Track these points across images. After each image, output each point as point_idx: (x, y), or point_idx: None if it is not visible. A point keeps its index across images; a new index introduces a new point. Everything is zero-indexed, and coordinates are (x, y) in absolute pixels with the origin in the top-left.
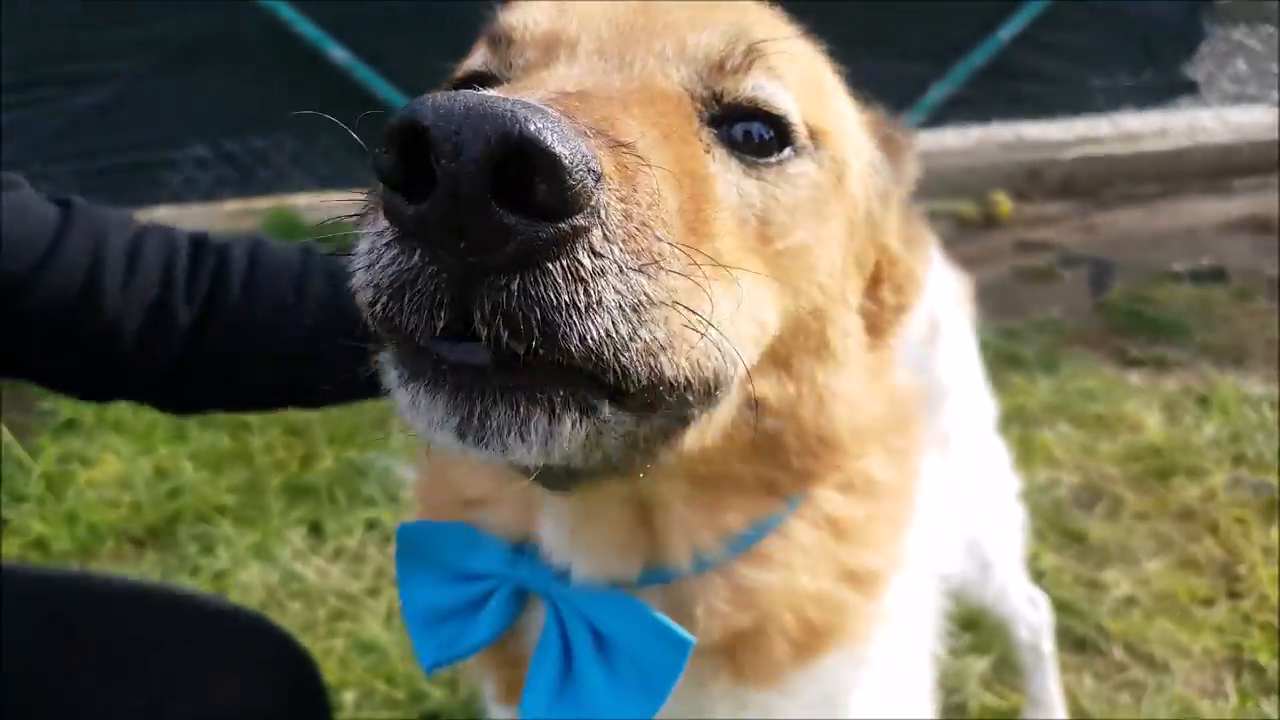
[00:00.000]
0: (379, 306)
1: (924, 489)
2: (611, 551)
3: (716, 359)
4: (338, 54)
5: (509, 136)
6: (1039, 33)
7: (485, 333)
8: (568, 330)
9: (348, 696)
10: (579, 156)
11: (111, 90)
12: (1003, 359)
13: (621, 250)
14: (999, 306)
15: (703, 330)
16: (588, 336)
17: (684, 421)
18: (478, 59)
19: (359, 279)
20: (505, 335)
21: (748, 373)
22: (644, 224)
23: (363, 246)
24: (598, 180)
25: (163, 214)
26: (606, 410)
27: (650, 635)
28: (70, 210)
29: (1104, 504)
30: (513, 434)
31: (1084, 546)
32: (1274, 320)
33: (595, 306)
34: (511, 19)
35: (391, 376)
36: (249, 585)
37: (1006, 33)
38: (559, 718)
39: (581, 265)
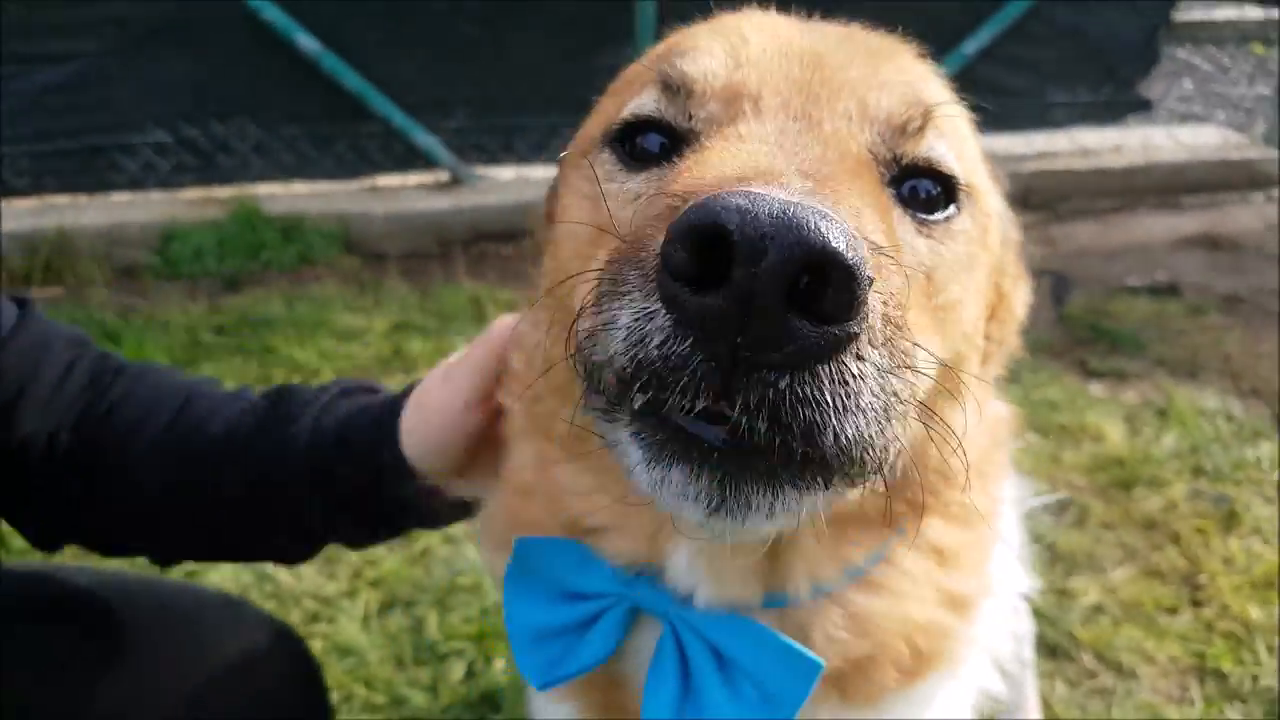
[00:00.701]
0: (636, 384)
1: (1005, 514)
2: (737, 580)
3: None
4: (306, 42)
5: (813, 251)
6: (1003, 48)
7: (743, 420)
8: (822, 429)
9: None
10: (864, 267)
11: (69, 71)
12: None
13: (880, 354)
14: None
15: (935, 427)
16: (842, 436)
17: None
18: (648, 102)
19: (616, 349)
20: (763, 427)
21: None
22: (897, 325)
23: (623, 320)
24: (870, 286)
25: (121, 199)
26: (837, 488)
27: (776, 658)
28: (25, 315)
29: (1071, 513)
30: (762, 513)
31: (1053, 554)
32: (1226, 335)
33: (854, 409)
34: (689, 68)
35: (632, 452)
36: (220, 587)
37: (971, 47)
38: None
39: (848, 369)
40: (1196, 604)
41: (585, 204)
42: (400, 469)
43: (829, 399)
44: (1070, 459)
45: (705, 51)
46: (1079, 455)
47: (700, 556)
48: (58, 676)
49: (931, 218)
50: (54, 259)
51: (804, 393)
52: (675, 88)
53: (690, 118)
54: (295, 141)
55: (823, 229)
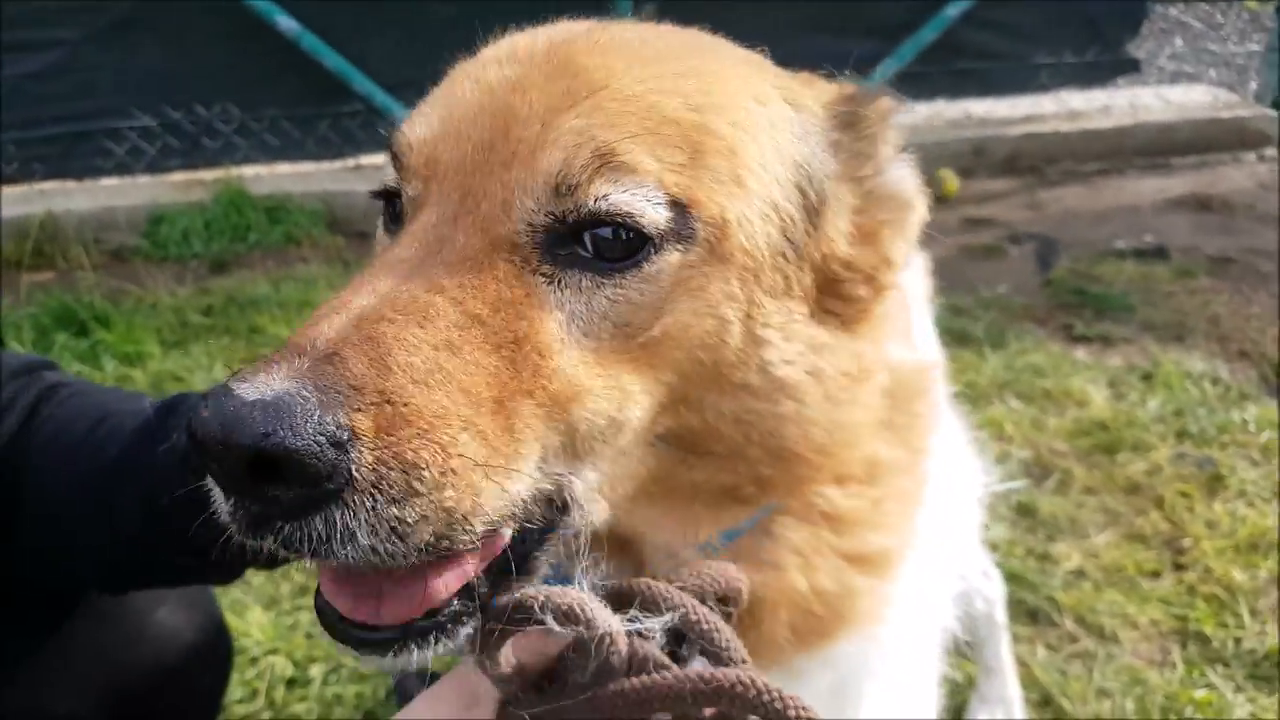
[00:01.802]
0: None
1: (936, 465)
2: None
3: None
4: (286, 23)
5: (253, 453)
6: (986, 10)
7: (277, 550)
8: (336, 552)
9: (315, 671)
10: (317, 444)
11: (52, 58)
12: (952, 335)
13: (368, 496)
14: (948, 283)
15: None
16: (350, 554)
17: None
18: (390, 172)
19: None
20: (284, 554)
21: (650, 420)
22: (403, 464)
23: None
24: (343, 450)
25: (109, 184)
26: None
27: None
28: None
29: (1054, 478)
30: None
31: (1034, 520)
32: (1213, 298)
33: (352, 538)
34: (401, 139)
35: None
36: None
37: (954, 9)
38: None
39: (333, 516)
40: (1179, 568)
41: (379, 265)
42: None
43: (324, 535)
44: (1054, 424)
45: (423, 113)
46: (1063, 420)
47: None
48: None
49: (615, 266)
50: (43, 244)
51: (302, 533)
52: (397, 159)
53: (405, 195)
54: (278, 123)
55: (263, 428)
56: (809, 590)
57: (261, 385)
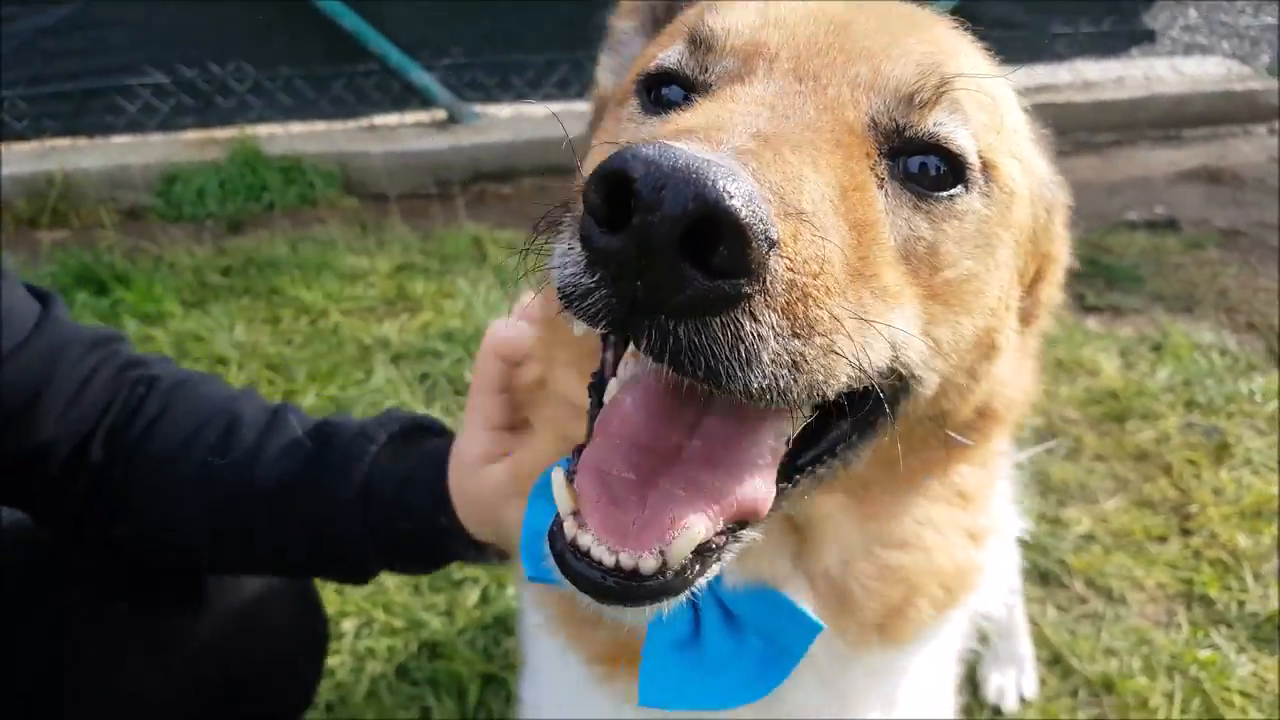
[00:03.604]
0: (566, 307)
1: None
2: (761, 559)
3: (882, 368)
4: None
5: (705, 205)
6: None
7: (648, 359)
8: (721, 375)
9: (347, 625)
10: (761, 227)
11: (63, 14)
12: None
13: (779, 317)
14: None
15: (860, 367)
16: (750, 386)
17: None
18: (673, 54)
19: (553, 273)
20: (669, 370)
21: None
22: (806, 293)
23: (558, 249)
24: (771, 248)
25: (121, 142)
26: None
27: (783, 617)
28: (46, 313)
29: (1065, 445)
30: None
31: (1046, 485)
32: (1222, 270)
33: (754, 362)
34: (715, 23)
35: None
36: None
37: None
38: (682, 676)
39: (741, 326)
40: (1186, 533)
41: (606, 148)
42: (457, 531)
43: (724, 350)
44: (1065, 393)
45: (735, 9)
46: (1074, 389)
47: None
48: (86, 638)
49: (933, 194)
50: (58, 203)
51: (698, 341)
52: (699, 42)
53: (706, 71)
54: (292, 82)
55: (719, 185)
56: (951, 566)
57: (700, 149)
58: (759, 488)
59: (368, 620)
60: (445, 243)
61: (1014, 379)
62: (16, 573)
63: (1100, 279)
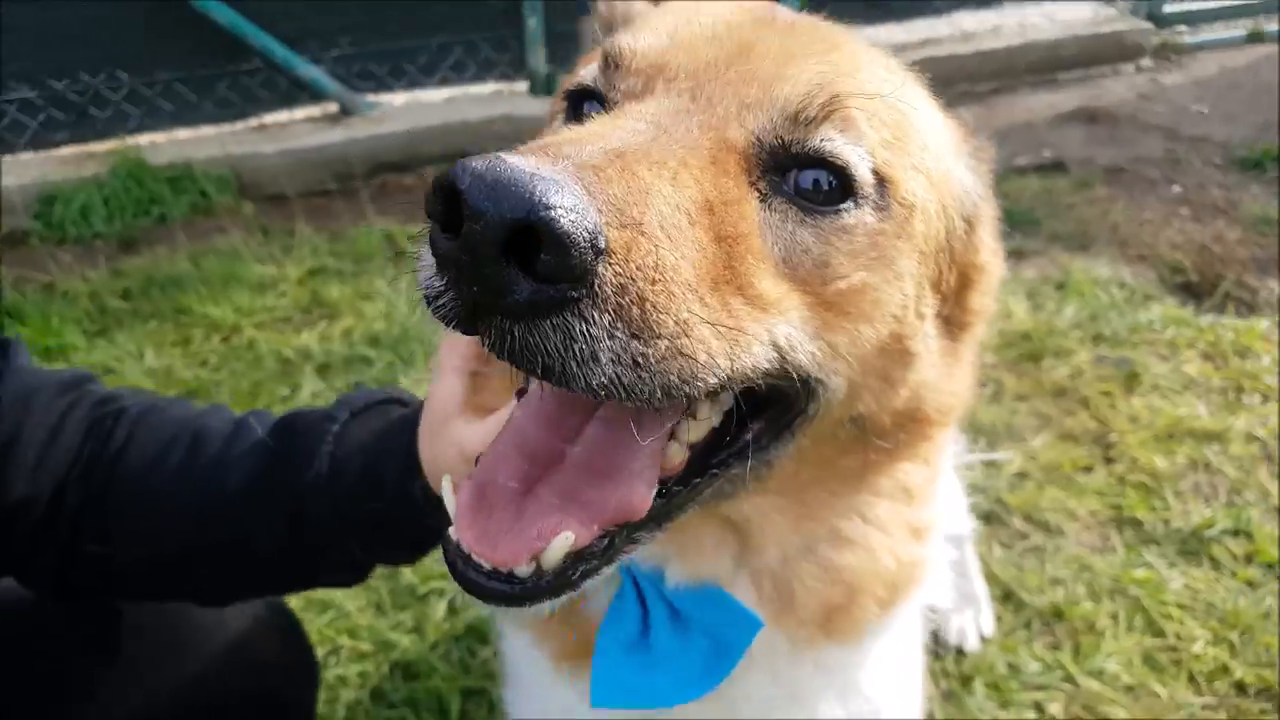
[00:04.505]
0: (423, 302)
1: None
2: (702, 558)
3: (766, 369)
4: None
5: (523, 215)
6: None
7: (493, 355)
8: (568, 375)
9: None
10: (582, 236)
11: None
12: None
13: (613, 319)
14: None
15: (732, 369)
16: (591, 382)
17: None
18: (590, 72)
19: (418, 276)
20: (510, 367)
21: (843, 384)
22: (642, 298)
23: (422, 252)
24: (598, 256)
25: None
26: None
27: (726, 615)
28: (5, 363)
29: (988, 389)
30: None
31: (977, 429)
32: (1111, 207)
33: (590, 361)
34: (625, 44)
35: None
36: None
37: None
38: (632, 675)
39: (572, 327)
40: (1109, 460)
41: None
42: (431, 498)
43: (556, 349)
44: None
45: (646, 28)
46: (988, 333)
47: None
48: (52, 670)
49: (819, 209)
50: None
51: (532, 341)
52: (610, 61)
53: (614, 88)
54: (172, 86)
55: (538, 196)
56: (894, 564)
57: (533, 163)
58: (635, 492)
59: (334, 648)
60: (355, 242)
61: (944, 383)
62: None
63: (1000, 224)
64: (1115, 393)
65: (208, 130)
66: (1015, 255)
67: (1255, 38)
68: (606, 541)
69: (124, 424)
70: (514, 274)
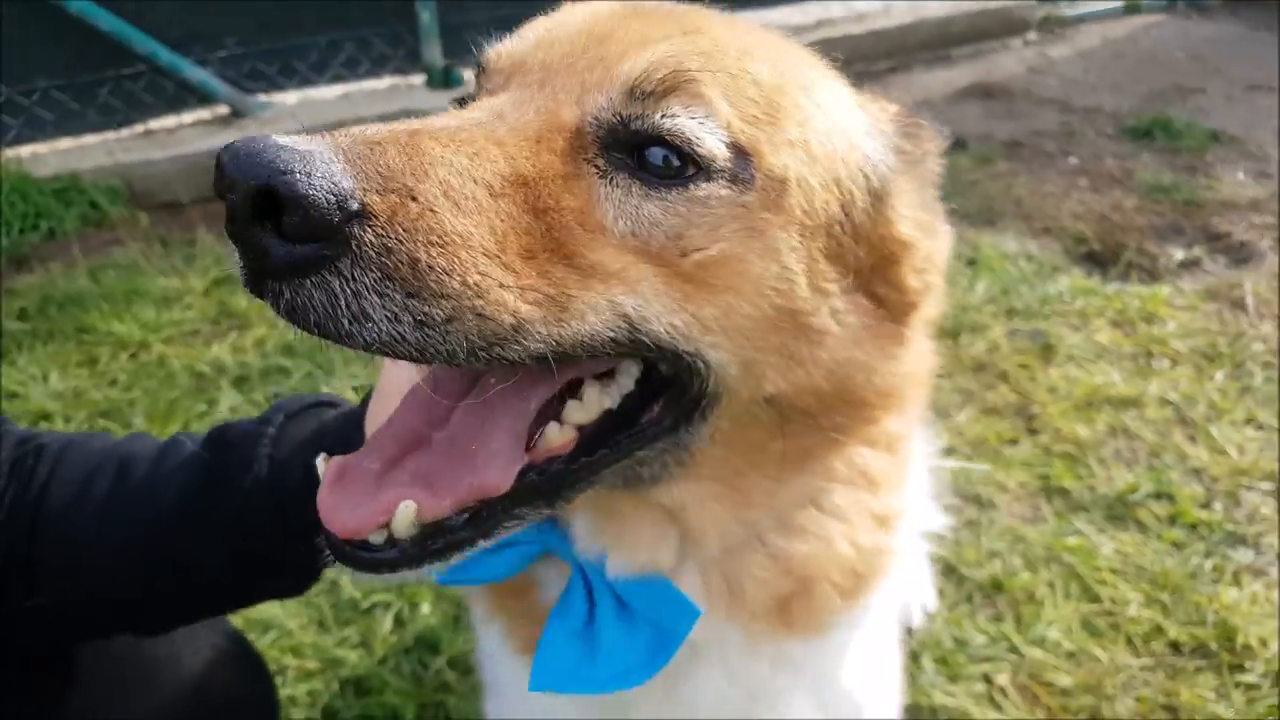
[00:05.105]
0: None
1: (917, 442)
2: (641, 547)
3: (612, 338)
4: None
5: (264, 180)
6: None
7: (278, 312)
8: (342, 333)
9: None
10: (325, 198)
11: None
12: None
13: (380, 277)
14: None
15: (534, 336)
16: (367, 339)
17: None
18: (470, 83)
19: None
20: (286, 323)
21: (739, 365)
22: (414, 259)
23: None
24: (350, 218)
25: None
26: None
27: (669, 604)
28: None
29: None
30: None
31: None
32: (1013, 181)
33: (362, 319)
34: (491, 51)
35: None
36: None
37: None
38: (575, 662)
39: (331, 284)
40: (1033, 432)
41: None
42: None
43: (323, 306)
44: None
45: (517, 34)
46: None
47: (592, 525)
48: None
49: (663, 182)
50: None
51: (299, 300)
52: (480, 68)
53: (483, 91)
54: (50, 94)
55: (279, 164)
56: (854, 553)
57: (299, 139)
58: (491, 469)
59: (280, 668)
60: None
61: (881, 364)
62: None
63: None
64: (1033, 365)
65: (92, 139)
66: None
67: (1132, 9)
68: (467, 515)
69: (45, 461)
70: (267, 236)
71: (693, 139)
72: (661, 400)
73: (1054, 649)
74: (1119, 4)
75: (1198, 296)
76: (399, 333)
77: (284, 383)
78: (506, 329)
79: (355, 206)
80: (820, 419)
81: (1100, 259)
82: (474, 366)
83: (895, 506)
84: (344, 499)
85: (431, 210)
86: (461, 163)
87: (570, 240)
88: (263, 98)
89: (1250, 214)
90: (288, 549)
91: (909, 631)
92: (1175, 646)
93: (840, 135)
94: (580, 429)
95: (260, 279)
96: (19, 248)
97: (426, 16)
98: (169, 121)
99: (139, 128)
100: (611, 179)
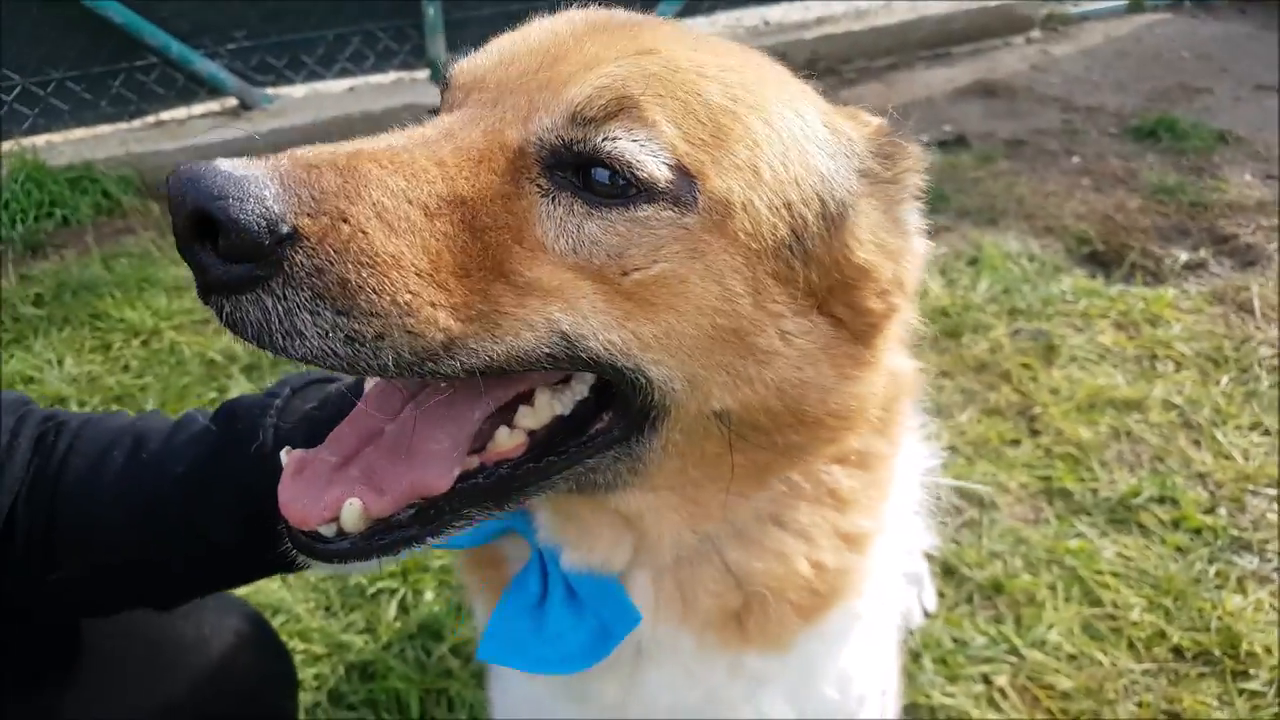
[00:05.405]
0: None
1: (904, 460)
2: (596, 548)
3: (549, 353)
4: None
5: (201, 205)
6: None
7: (220, 321)
8: (276, 345)
9: None
10: (255, 222)
11: None
12: None
13: (311, 296)
14: None
15: (469, 351)
16: (301, 351)
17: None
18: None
19: None
20: (232, 334)
21: (684, 382)
22: (344, 279)
23: None
24: (281, 241)
25: None
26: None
27: (613, 602)
28: None
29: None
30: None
31: None
32: (1015, 180)
33: (296, 334)
34: (454, 66)
35: None
36: None
37: None
38: (523, 638)
39: (263, 301)
40: (1034, 433)
41: None
42: None
43: (259, 320)
44: None
45: (482, 50)
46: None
47: (557, 521)
48: (20, 693)
49: (604, 203)
50: None
51: (238, 314)
52: (444, 83)
53: (445, 106)
54: (65, 85)
55: (213, 189)
56: (813, 571)
57: (239, 164)
58: (430, 472)
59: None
60: None
61: (837, 385)
62: None
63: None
64: (1035, 365)
65: (105, 129)
66: (926, 232)
67: (1136, 6)
68: (414, 512)
69: (64, 437)
70: (207, 255)
71: (633, 162)
72: (610, 411)
73: (1054, 652)
74: (1123, 2)
75: (1203, 299)
76: (330, 348)
77: (292, 371)
78: (437, 345)
79: (286, 230)
80: (774, 436)
81: (1104, 260)
82: (408, 379)
83: (865, 525)
84: (300, 491)
85: (363, 232)
86: (398, 184)
87: (508, 258)
88: (270, 90)
89: (1257, 216)
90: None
91: (909, 632)
92: (1178, 652)
93: (795, 158)
94: (531, 434)
95: (206, 292)
96: (35, 235)
97: (432, 12)
98: (179, 113)
99: (150, 118)
100: (554, 198)
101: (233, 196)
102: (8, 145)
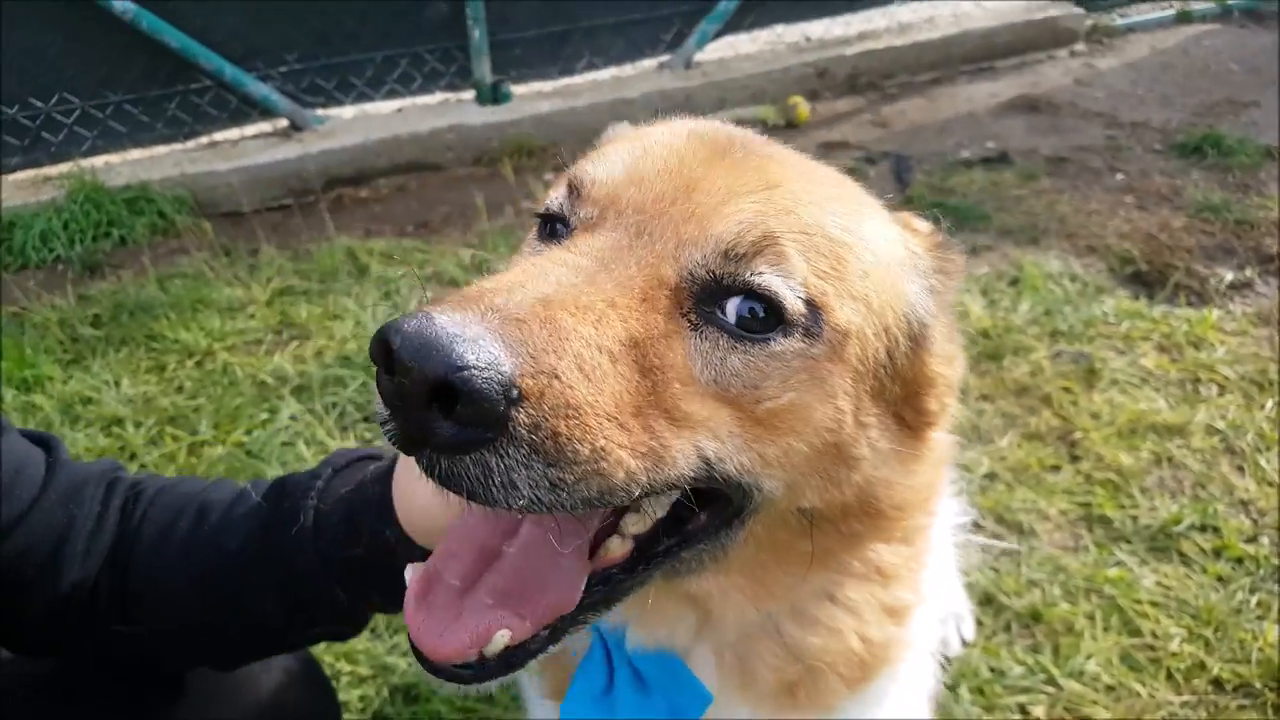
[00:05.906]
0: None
1: (939, 524)
2: (660, 626)
3: (694, 476)
4: (121, 4)
5: (442, 375)
6: None
7: (429, 475)
8: (490, 499)
9: None
10: (494, 390)
11: None
12: None
13: (528, 452)
14: None
15: (652, 479)
16: (512, 504)
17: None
18: (558, 197)
19: (376, 403)
20: (441, 488)
21: (783, 485)
22: (555, 433)
23: (375, 385)
24: (511, 403)
25: None
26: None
27: (681, 684)
28: (53, 458)
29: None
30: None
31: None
32: (1057, 198)
33: (509, 487)
34: (585, 173)
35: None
36: None
37: None
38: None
39: (488, 461)
40: (1075, 459)
41: (522, 260)
42: (406, 543)
43: (477, 479)
44: None
45: (606, 159)
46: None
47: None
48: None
49: (748, 337)
50: None
51: (455, 471)
52: (573, 188)
53: (575, 214)
54: (122, 108)
55: (456, 358)
56: (861, 645)
57: (461, 322)
58: (563, 591)
59: (334, 674)
60: (319, 260)
61: (900, 479)
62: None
63: (949, 220)
64: (1076, 389)
65: (160, 150)
66: (967, 251)
67: (1184, 17)
68: (548, 632)
69: (141, 504)
70: (438, 420)
71: (779, 295)
72: (708, 509)
73: (1092, 682)
74: (1170, 13)
75: (1248, 321)
76: (537, 495)
77: (342, 393)
78: (620, 483)
79: (515, 394)
80: (841, 525)
81: (1147, 280)
82: (574, 514)
83: (907, 598)
84: (432, 620)
85: (570, 386)
86: (589, 333)
87: (669, 394)
88: (320, 112)
89: None
90: (328, 594)
91: (946, 660)
92: (1218, 684)
93: (890, 284)
94: (636, 538)
95: (418, 446)
96: (93, 255)
97: (477, 34)
98: (232, 134)
99: (204, 139)
100: (702, 332)
101: (474, 366)
102: (67, 167)
